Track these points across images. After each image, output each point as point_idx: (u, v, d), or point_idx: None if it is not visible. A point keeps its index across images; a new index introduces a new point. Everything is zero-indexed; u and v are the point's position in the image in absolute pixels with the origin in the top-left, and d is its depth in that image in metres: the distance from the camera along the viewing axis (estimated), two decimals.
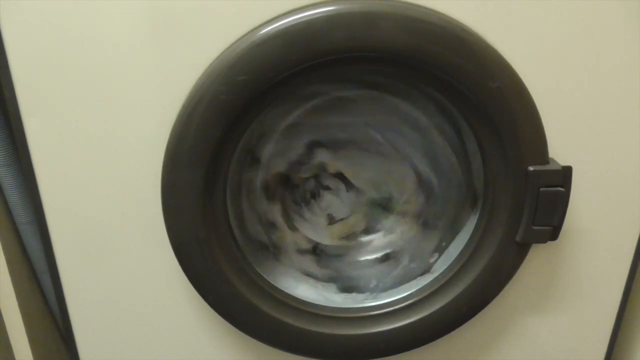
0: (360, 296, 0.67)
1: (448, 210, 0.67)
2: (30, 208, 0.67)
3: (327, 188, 0.70)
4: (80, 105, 0.55)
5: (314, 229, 0.71)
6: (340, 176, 0.69)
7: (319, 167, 0.68)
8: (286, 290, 0.64)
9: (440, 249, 0.67)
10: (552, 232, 0.59)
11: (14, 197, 0.66)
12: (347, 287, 0.69)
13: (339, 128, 0.66)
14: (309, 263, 0.69)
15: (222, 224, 0.59)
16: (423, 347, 0.65)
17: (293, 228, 0.70)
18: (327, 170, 0.68)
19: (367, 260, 0.71)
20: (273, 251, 0.68)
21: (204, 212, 0.56)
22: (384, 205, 0.71)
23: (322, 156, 0.67)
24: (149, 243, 0.62)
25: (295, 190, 0.69)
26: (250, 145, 0.63)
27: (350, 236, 0.72)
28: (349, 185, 0.70)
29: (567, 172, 0.57)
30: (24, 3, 0.51)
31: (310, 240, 0.71)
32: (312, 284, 0.68)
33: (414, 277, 0.66)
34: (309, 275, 0.69)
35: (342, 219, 0.71)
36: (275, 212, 0.69)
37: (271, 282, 0.63)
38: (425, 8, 0.53)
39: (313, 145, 0.66)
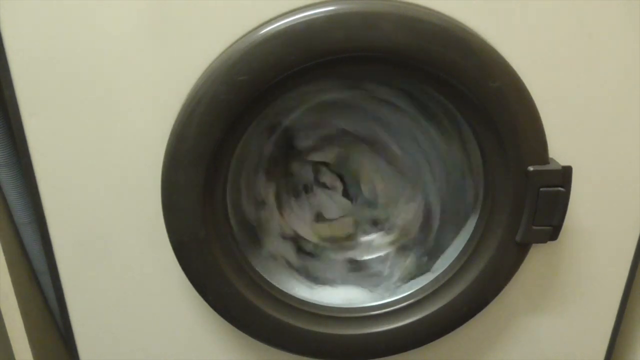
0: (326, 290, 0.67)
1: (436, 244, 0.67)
2: (30, 208, 0.67)
3: (324, 186, 0.69)
4: (80, 105, 0.55)
5: (300, 221, 0.70)
6: (343, 177, 0.69)
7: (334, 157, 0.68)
8: (278, 285, 0.64)
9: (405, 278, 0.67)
10: (552, 232, 0.59)
11: (14, 197, 0.66)
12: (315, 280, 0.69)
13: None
14: (288, 250, 0.69)
15: (222, 224, 0.59)
16: (423, 347, 0.65)
17: (282, 212, 0.70)
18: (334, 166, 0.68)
19: (340, 264, 0.71)
20: (257, 229, 0.68)
21: (204, 212, 0.56)
22: (376, 222, 0.71)
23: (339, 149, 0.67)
24: (149, 243, 0.62)
25: (290, 178, 0.69)
26: (275, 115, 0.63)
27: (333, 239, 0.72)
28: (350, 188, 0.70)
29: (567, 172, 0.57)
30: (24, 3, 0.51)
31: (293, 230, 0.70)
32: (288, 273, 0.68)
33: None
34: (286, 261, 0.69)
35: (330, 220, 0.71)
36: (269, 191, 0.68)
37: (258, 270, 0.63)
38: (425, 8, 0.53)
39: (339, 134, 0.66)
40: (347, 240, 0.72)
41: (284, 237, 0.69)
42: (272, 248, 0.68)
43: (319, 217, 0.71)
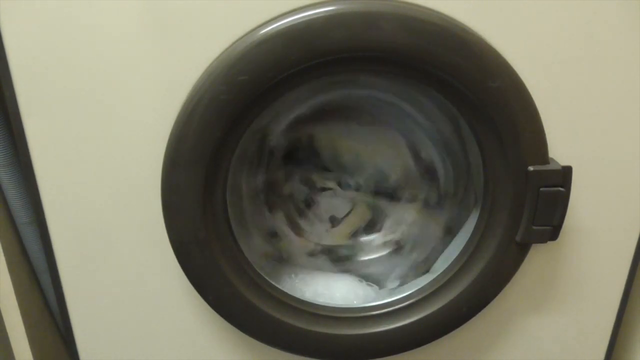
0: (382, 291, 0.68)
1: (454, 191, 0.67)
2: (30, 208, 0.67)
3: (323, 189, 0.70)
4: (80, 105, 0.55)
5: (319, 233, 0.71)
6: (335, 174, 0.69)
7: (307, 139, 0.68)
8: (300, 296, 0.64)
9: (448, 231, 0.67)
10: (552, 232, 0.59)
11: (14, 197, 0.66)
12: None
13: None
14: (322, 263, 0.70)
15: (222, 224, 0.59)
16: (423, 347, 0.65)
17: (299, 234, 0.70)
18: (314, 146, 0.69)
19: (378, 256, 0.71)
20: (284, 257, 0.68)
21: (204, 212, 0.56)
22: (388, 194, 0.70)
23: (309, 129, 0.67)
24: (149, 243, 0.62)
25: (291, 200, 0.69)
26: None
27: (359, 233, 0.72)
28: (345, 181, 0.70)
29: (567, 172, 0.57)
30: (24, 3, 0.51)
31: (318, 244, 0.71)
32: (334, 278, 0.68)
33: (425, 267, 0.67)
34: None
35: (345, 217, 0.71)
36: (278, 221, 0.69)
37: (279, 286, 0.63)
38: (426, 8, 0.53)
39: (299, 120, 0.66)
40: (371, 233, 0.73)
41: (312, 254, 0.70)
42: (303, 265, 0.69)
43: (334, 222, 0.71)
